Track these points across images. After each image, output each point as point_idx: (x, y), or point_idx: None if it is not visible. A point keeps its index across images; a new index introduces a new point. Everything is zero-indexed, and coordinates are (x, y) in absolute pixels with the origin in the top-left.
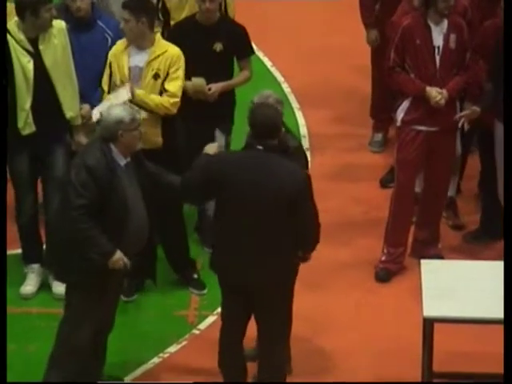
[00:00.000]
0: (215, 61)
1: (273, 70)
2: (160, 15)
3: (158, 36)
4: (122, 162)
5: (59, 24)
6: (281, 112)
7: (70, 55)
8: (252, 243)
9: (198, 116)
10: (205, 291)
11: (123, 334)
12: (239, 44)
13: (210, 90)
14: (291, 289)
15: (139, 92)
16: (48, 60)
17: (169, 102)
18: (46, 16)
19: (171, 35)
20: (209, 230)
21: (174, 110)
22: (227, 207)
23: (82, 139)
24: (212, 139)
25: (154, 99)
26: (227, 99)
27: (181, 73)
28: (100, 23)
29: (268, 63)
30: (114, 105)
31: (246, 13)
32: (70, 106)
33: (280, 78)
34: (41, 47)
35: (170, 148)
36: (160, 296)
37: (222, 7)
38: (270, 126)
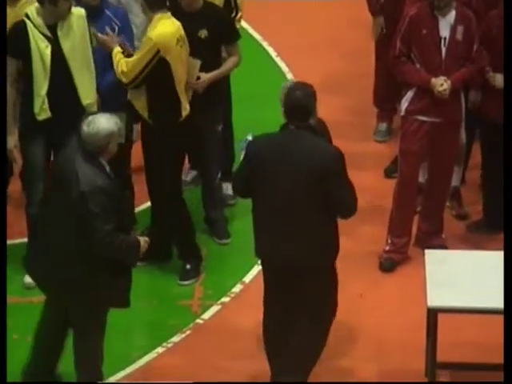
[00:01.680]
0: (201, 48)
1: (277, 60)
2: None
3: (158, 17)
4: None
5: (79, 11)
6: (313, 94)
7: (89, 43)
8: (288, 221)
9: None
10: (188, 282)
11: (127, 323)
12: (224, 30)
13: (198, 78)
14: (331, 270)
15: (115, 51)
16: (66, 46)
17: (121, 70)
18: (64, 6)
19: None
20: (218, 220)
21: (124, 81)
22: (263, 188)
23: None
24: (202, 126)
25: (117, 62)
26: (219, 86)
27: (141, 53)
28: (108, 12)
29: (273, 53)
30: (94, 119)
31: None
32: (87, 93)
33: (285, 68)
34: (59, 33)
35: (158, 126)
36: (164, 285)
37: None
38: (302, 107)
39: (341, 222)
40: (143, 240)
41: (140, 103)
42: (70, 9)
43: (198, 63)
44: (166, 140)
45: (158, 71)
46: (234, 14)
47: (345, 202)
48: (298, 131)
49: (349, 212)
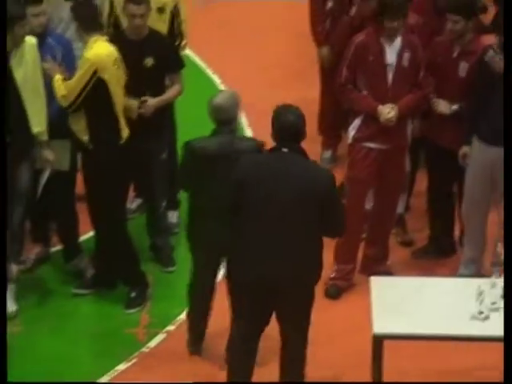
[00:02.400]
0: (147, 76)
1: (222, 87)
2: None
3: (94, 38)
4: None
5: (30, 40)
6: (303, 117)
7: (40, 71)
8: (278, 242)
9: (133, 130)
10: (134, 310)
11: (73, 351)
12: (170, 58)
13: (145, 102)
14: (313, 291)
15: (56, 77)
16: (18, 75)
17: (60, 94)
18: (20, 32)
19: None
20: (164, 248)
21: (64, 104)
22: (254, 210)
23: (49, 155)
24: (147, 154)
25: (57, 86)
26: (163, 115)
27: (78, 74)
28: (50, 40)
29: (217, 81)
30: None
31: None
32: (38, 120)
33: None
34: (12, 62)
35: (101, 151)
36: (110, 313)
37: (175, 24)
38: (294, 130)
39: None
40: None
41: (79, 127)
42: (24, 36)
43: (135, 104)
44: (106, 165)
45: (96, 92)
46: (178, 42)
47: (338, 222)
48: (290, 154)
49: (340, 232)
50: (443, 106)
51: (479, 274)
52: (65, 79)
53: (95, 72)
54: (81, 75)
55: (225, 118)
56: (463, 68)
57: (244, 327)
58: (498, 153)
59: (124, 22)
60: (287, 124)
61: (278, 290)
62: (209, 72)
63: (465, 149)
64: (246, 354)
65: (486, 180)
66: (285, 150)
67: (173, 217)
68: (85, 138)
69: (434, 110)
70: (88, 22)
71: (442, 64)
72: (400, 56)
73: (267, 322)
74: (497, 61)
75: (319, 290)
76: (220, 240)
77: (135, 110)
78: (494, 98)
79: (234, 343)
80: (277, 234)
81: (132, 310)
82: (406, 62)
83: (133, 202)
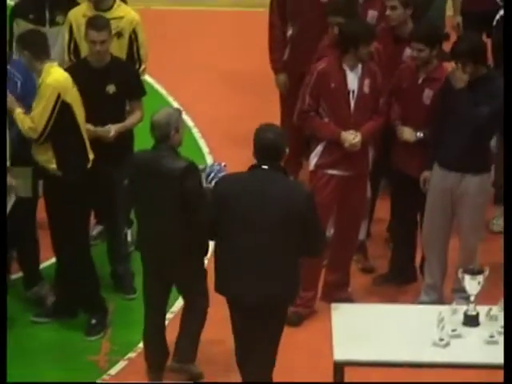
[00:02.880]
0: (109, 103)
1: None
2: (71, 55)
3: (49, 65)
4: None
5: None
6: (284, 135)
7: None
8: (260, 261)
9: (96, 156)
10: (95, 337)
11: (34, 379)
12: (131, 86)
13: (108, 129)
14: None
15: (17, 111)
16: None
17: (28, 126)
18: None
19: None
20: (125, 275)
21: (34, 136)
22: (233, 228)
23: (11, 181)
24: (109, 180)
25: (21, 120)
26: (125, 142)
27: (43, 102)
28: (9, 67)
29: (171, 99)
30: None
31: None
32: None
33: (190, 123)
34: None
35: (69, 179)
36: (71, 341)
37: (134, 48)
38: (273, 148)
39: None
40: None
41: (46, 156)
42: None
43: (110, 130)
44: (75, 190)
45: (62, 116)
46: (137, 67)
47: (317, 241)
48: (270, 172)
49: (319, 251)
50: (408, 134)
51: (440, 301)
52: (25, 113)
53: (59, 96)
54: (45, 103)
55: (160, 135)
56: (427, 95)
57: (238, 338)
58: (457, 178)
59: (84, 49)
60: (266, 142)
61: (254, 309)
62: (170, 99)
63: (425, 174)
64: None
65: (446, 206)
66: (264, 167)
67: (127, 236)
68: (52, 166)
69: (399, 138)
70: (39, 49)
71: (407, 90)
72: (361, 82)
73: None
74: (458, 76)
75: None
76: (161, 256)
77: (107, 136)
78: (454, 125)
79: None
80: (255, 252)
81: (93, 337)
82: (366, 89)
83: (93, 229)
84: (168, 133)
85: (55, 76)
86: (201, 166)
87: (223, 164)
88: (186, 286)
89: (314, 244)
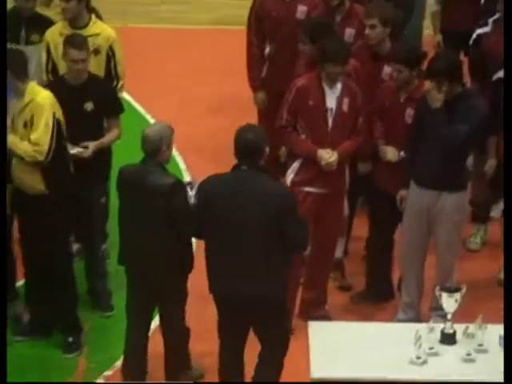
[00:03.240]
0: (87, 120)
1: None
2: (49, 75)
3: (33, 85)
4: None
5: None
6: (264, 136)
7: None
8: (244, 259)
9: (74, 174)
10: (72, 355)
11: None
12: (109, 103)
13: (87, 147)
14: (285, 302)
15: (11, 139)
16: None
17: (32, 149)
18: None
19: None
20: (102, 293)
21: (40, 158)
22: (218, 227)
23: None
24: (87, 197)
25: (22, 147)
26: (103, 159)
27: (43, 122)
28: None
29: (148, 117)
30: None
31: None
32: None
33: None
34: None
35: (56, 197)
36: (47, 359)
37: (111, 65)
38: (253, 148)
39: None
40: None
41: (31, 176)
42: None
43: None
44: (63, 208)
45: (57, 135)
46: (115, 83)
47: (299, 238)
48: (251, 172)
49: (301, 247)
50: (391, 154)
51: (417, 319)
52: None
53: (54, 114)
54: (45, 122)
55: (149, 149)
56: (409, 114)
57: (225, 339)
58: (434, 196)
59: (62, 68)
60: (246, 142)
61: (245, 308)
62: (141, 111)
63: (402, 192)
64: (233, 364)
65: (422, 224)
66: (244, 167)
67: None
68: (39, 186)
69: (382, 157)
70: (21, 69)
71: (390, 109)
72: (340, 101)
73: (243, 336)
74: (433, 96)
75: (256, 347)
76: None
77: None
78: (430, 144)
79: (220, 353)
80: (239, 252)
81: (70, 355)
82: (345, 107)
83: (71, 247)
84: (160, 148)
85: (44, 95)
86: (189, 181)
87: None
88: (168, 303)
89: (296, 241)
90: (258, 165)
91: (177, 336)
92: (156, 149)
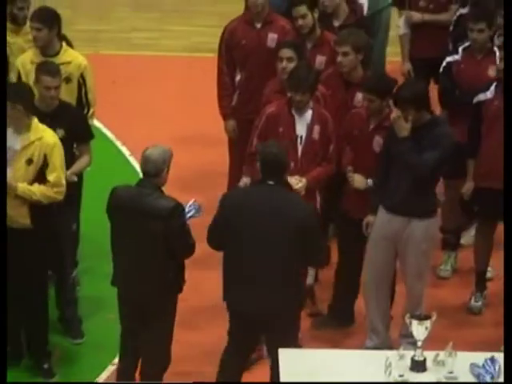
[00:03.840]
0: None
1: (131, 159)
2: None
3: (36, 121)
4: None
5: None
6: (286, 152)
7: None
8: (267, 273)
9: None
10: (52, 380)
11: None
12: (79, 129)
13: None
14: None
15: (21, 186)
16: None
17: (53, 191)
18: None
19: None
20: (72, 320)
21: (61, 197)
22: (240, 239)
23: None
24: (58, 224)
25: (38, 190)
26: (73, 186)
27: (59, 162)
28: None
29: (126, 153)
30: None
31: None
32: None
33: (138, 168)
34: None
35: (40, 230)
36: None
37: (82, 93)
38: (279, 164)
39: (195, 317)
40: None
41: (17, 211)
42: None
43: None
44: (42, 242)
45: None
46: (86, 111)
47: (320, 252)
48: (275, 187)
49: (323, 261)
50: (359, 182)
51: (384, 345)
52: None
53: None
54: (60, 163)
55: (148, 170)
56: (378, 142)
57: (232, 346)
58: (404, 223)
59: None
60: (271, 157)
61: (261, 320)
62: (118, 144)
63: (369, 218)
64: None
65: (389, 250)
66: (270, 182)
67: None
68: (25, 221)
69: (350, 185)
70: (30, 104)
71: (358, 137)
72: (310, 129)
73: (252, 346)
74: (399, 125)
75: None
76: (135, 288)
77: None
78: (398, 171)
79: (223, 356)
80: (261, 264)
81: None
82: (316, 135)
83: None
84: (162, 170)
85: (51, 133)
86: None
87: (199, 204)
88: (157, 326)
89: (317, 255)
90: (282, 180)
91: (158, 361)
92: (158, 170)
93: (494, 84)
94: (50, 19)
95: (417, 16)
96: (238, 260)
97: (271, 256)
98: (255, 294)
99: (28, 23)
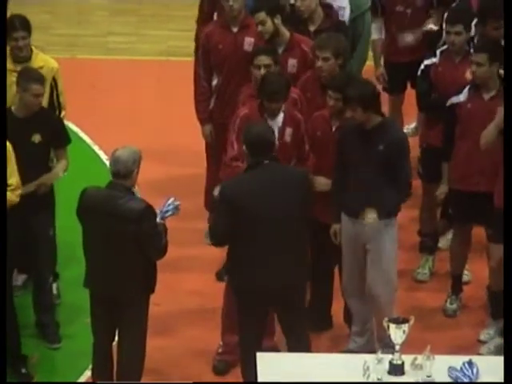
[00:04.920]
0: (34, 152)
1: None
2: None
3: None
4: None
5: None
6: (271, 128)
7: None
8: (276, 247)
9: (19, 207)
10: None
11: None
12: (57, 134)
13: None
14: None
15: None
16: None
17: (15, 195)
18: None
19: None
20: (49, 325)
21: (17, 200)
22: (251, 223)
23: None
24: (35, 229)
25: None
26: (50, 192)
27: (14, 166)
28: None
29: (104, 157)
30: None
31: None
32: None
33: None
34: None
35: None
36: None
37: (54, 96)
38: (267, 141)
39: (172, 325)
40: None
41: None
42: None
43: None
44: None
45: None
46: (57, 113)
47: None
48: (269, 164)
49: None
50: (322, 185)
51: (368, 345)
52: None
53: None
54: (14, 166)
55: (123, 171)
56: None
57: (246, 331)
58: (362, 225)
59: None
60: (260, 136)
61: (274, 298)
62: (95, 148)
63: (335, 227)
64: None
65: (359, 253)
66: (266, 161)
67: (54, 288)
68: None
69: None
70: None
71: (321, 138)
72: (282, 132)
73: (264, 327)
74: (349, 116)
75: (207, 365)
76: (108, 289)
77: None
78: (353, 170)
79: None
80: (276, 242)
81: None
82: (288, 138)
83: (17, 279)
84: (132, 171)
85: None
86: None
87: (178, 203)
88: (131, 327)
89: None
90: (273, 155)
91: (132, 362)
92: (129, 171)
93: (468, 87)
94: (30, 26)
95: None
96: (250, 241)
97: (282, 230)
98: (271, 269)
99: None
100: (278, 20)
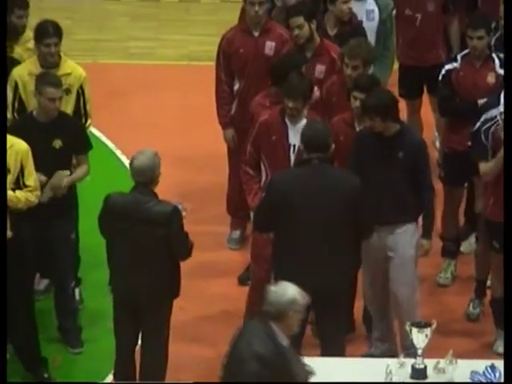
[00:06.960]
0: (55, 157)
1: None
2: (15, 113)
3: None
4: (285, 341)
5: None
6: (330, 128)
7: None
8: (322, 250)
9: (40, 212)
10: None
11: None
12: (78, 140)
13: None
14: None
15: (8, 194)
16: None
17: (34, 196)
18: None
19: (10, 133)
20: (71, 329)
21: (36, 202)
22: (293, 220)
23: None
24: (57, 233)
25: (22, 196)
26: (69, 196)
27: (32, 167)
28: None
29: (126, 162)
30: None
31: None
32: None
33: None
34: None
35: (18, 238)
36: None
37: (81, 103)
38: (323, 140)
39: (197, 330)
40: None
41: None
42: None
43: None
44: (27, 246)
45: None
46: (84, 121)
47: (369, 220)
48: (320, 164)
49: (371, 230)
50: None
51: (391, 351)
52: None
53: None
54: (30, 168)
55: (145, 180)
56: None
57: None
58: (387, 232)
59: (31, 106)
60: (317, 135)
61: (318, 299)
62: (110, 146)
63: None
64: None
65: (380, 260)
66: (315, 161)
67: (75, 293)
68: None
69: None
70: None
71: (344, 142)
72: None
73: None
74: (368, 125)
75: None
76: (134, 294)
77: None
78: (377, 180)
79: None
80: (320, 244)
81: None
82: None
83: (40, 283)
84: (154, 177)
85: (19, 139)
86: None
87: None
88: (154, 331)
89: (367, 223)
90: (327, 156)
91: (155, 365)
92: (151, 178)
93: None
94: (62, 32)
95: None
96: (295, 243)
97: (329, 233)
98: (318, 271)
99: (27, 32)
100: (313, 25)
